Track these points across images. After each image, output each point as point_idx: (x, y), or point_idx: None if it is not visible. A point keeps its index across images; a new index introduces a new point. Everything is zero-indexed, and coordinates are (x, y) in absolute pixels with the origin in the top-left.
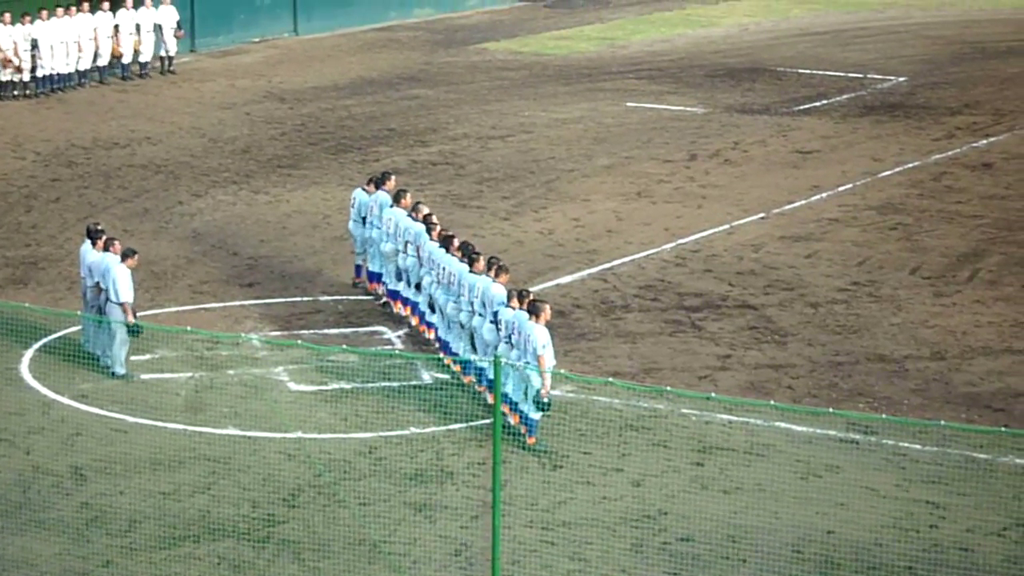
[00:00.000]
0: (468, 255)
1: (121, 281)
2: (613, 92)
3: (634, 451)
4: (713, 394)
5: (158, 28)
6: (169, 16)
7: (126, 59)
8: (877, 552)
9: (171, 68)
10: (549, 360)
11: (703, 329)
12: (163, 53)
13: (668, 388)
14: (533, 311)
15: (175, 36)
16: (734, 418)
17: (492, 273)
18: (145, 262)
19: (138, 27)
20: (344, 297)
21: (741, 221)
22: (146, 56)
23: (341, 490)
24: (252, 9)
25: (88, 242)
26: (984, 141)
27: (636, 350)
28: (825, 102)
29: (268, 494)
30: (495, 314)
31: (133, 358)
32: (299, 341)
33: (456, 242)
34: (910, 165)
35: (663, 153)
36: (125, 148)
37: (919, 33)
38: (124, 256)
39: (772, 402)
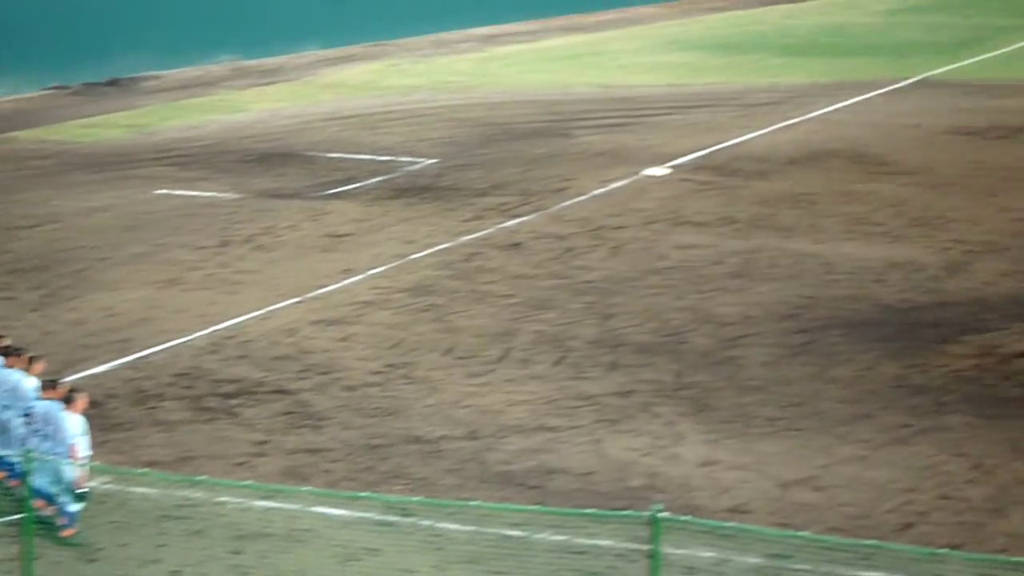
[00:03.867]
0: (4, 353)
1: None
2: (143, 179)
3: (172, 541)
4: (250, 481)
5: None
6: None
7: None
8: None
9: None
10: (83, 450)
11: (239, 415)
12: None
13: (204, 477)
14: (68, 400)
15: None
16: (272, 504)
17: (26, 364)
18: None
19: None
20: None
21: (276, 306)
22: None
23: None
24: None
25: None
26: (513, 221)
27: (172, 439)
28: (356, 185)
29: None
30: (30, 407)
31: None
32: None
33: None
34: (441, 246)
35: (195, 240)
36: None
37: (447, 116)
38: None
39: (309, 487)
